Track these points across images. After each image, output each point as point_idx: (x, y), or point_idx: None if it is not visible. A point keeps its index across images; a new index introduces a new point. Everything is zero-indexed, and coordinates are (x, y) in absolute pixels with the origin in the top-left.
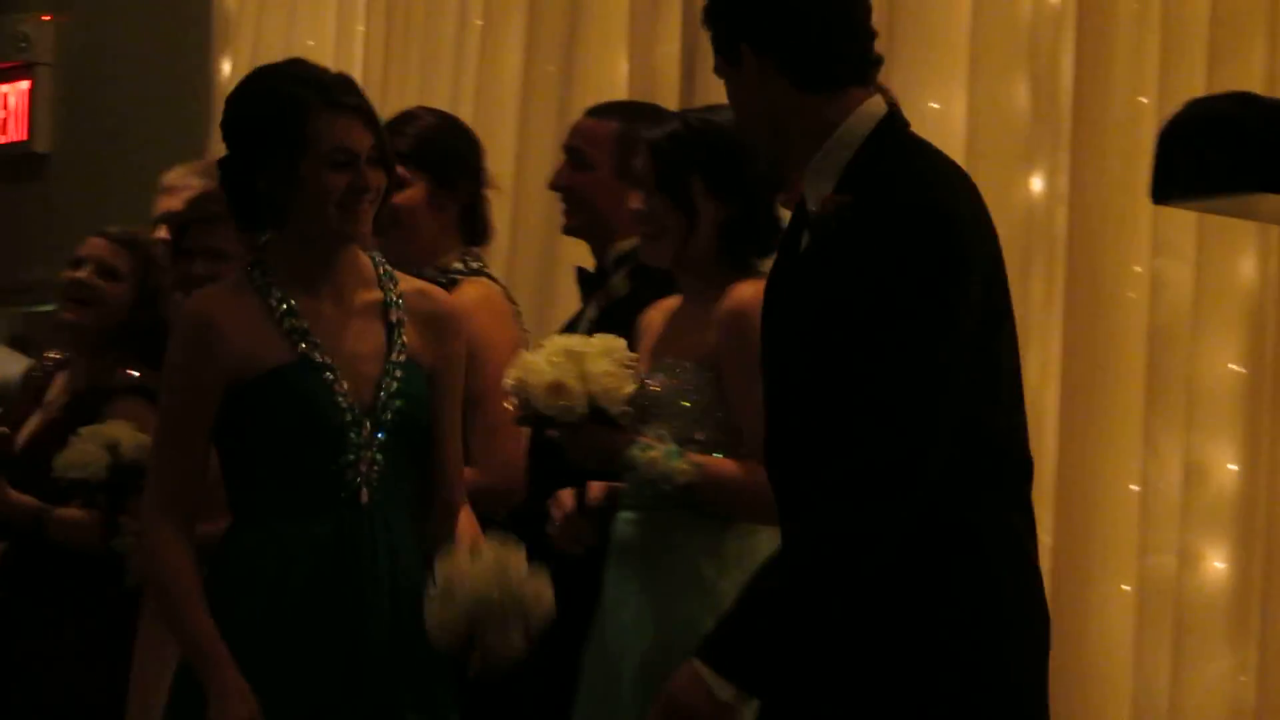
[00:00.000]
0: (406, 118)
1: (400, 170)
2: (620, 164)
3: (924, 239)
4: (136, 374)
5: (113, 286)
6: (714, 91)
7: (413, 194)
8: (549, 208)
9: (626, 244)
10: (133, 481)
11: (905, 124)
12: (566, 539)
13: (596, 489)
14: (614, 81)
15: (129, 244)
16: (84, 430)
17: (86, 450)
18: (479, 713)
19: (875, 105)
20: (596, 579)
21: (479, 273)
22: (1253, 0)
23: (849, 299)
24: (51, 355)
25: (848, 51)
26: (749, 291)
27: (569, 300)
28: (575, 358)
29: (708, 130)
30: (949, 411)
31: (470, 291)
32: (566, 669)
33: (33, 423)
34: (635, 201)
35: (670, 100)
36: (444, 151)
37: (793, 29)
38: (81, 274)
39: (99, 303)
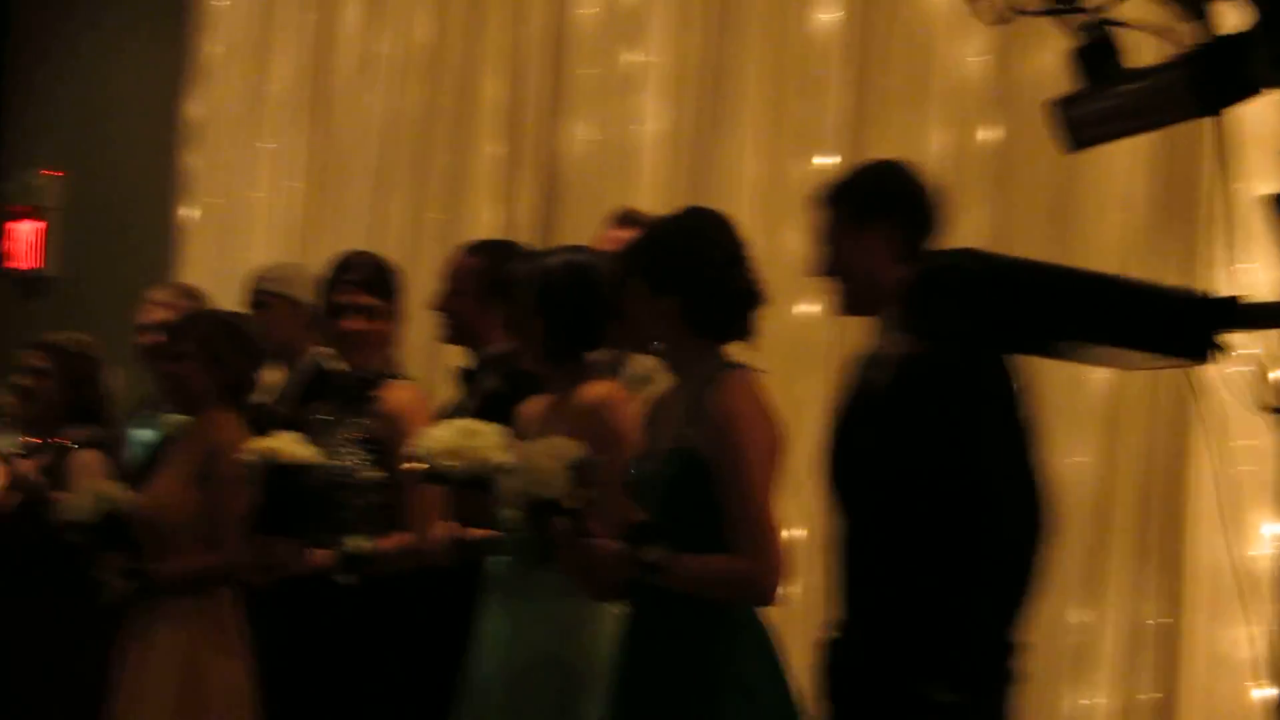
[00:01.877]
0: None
1: (365, 298)
2: (489, 289)
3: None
4: (85, 431)
5: (41, 381)
6: (566, 234)
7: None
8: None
9: (496, 349)
10: (121, 527)
11: None
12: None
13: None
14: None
15: (49, 349)
16: (83, 483)
17: (83, 498)
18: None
19: None
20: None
21: (402, 375)
22: None
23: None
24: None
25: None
26: (593, 391)
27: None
28: (466, 433)
29: (575, 269)
30: None
31: (404, 391)
32: (446, 682)
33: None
34: (510, 319)
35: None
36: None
37: (917, 211)
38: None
39: (32, 396)
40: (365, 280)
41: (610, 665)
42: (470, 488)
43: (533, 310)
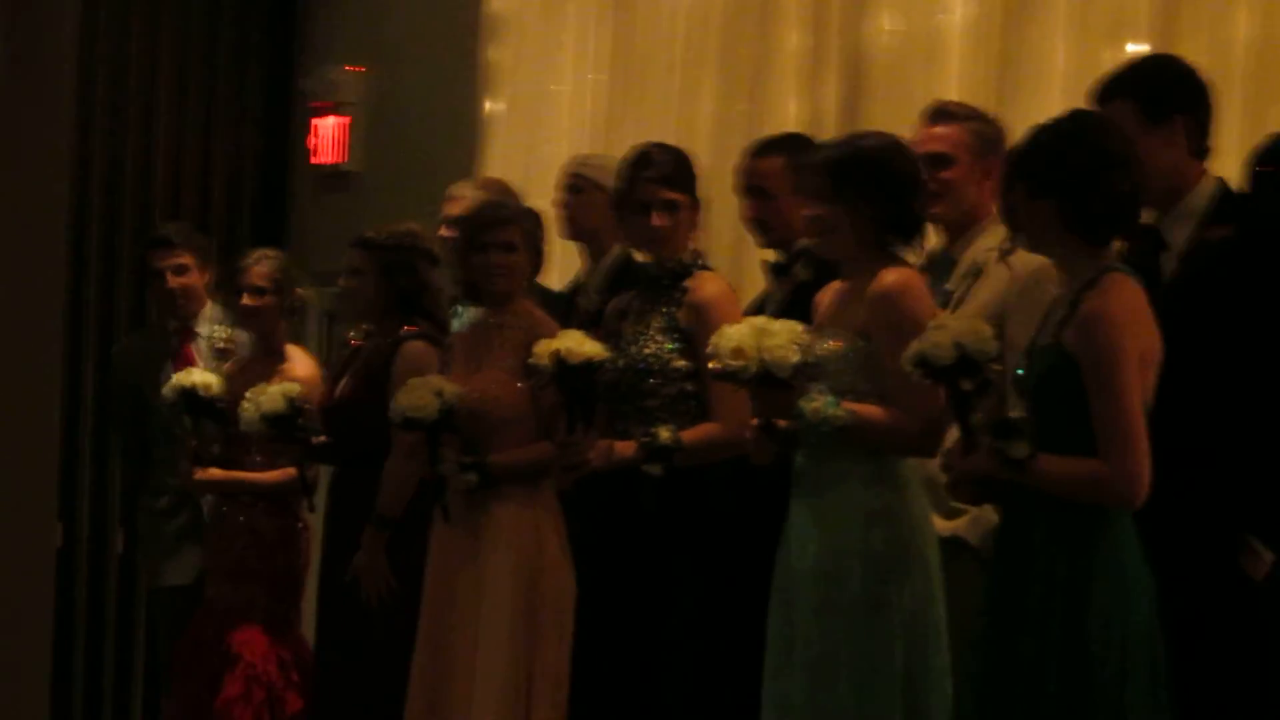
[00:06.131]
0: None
1: (669, 193)
2: (791, 186)
3: None
4: (414, 328)
5: (359, 281)
6: (869, 125)
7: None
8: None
9: (803, 242)
10: (452, 420)
11: None
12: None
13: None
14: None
15: (362, 245)
16: (413, 380)
17: (420, 395)
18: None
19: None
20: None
21: (707, 266)
22: None
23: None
24: (354, 335)
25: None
26: (891, 276)
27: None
28: (758, 332)
29: (865, 151)
30: None
31: (713, 283)
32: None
33: (345, 380)
34: (811, 210)
35: (834, 134)
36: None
37: (1206, 112)
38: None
39: (353, 296)
40: (666, 175)
41: (926, 552)
42: (765, 385)
43: (836, 198)
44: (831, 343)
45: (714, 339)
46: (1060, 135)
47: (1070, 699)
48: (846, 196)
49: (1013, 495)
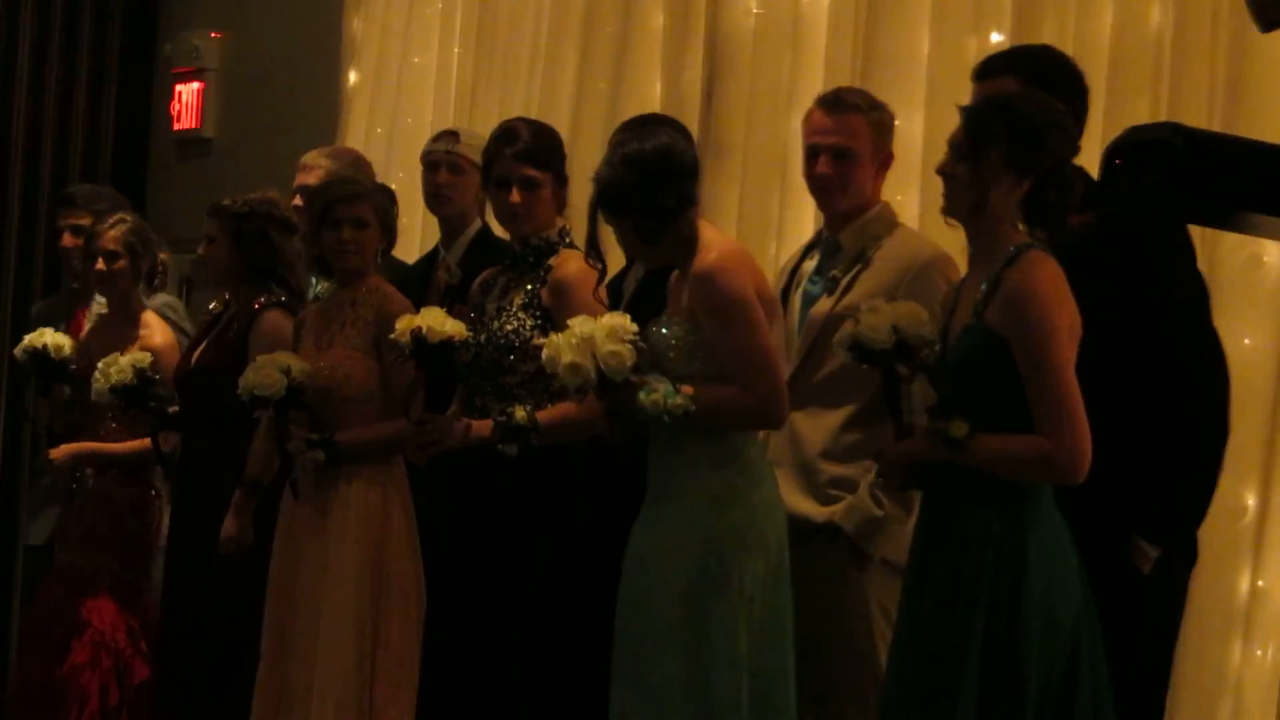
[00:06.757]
0: (513, 130)
1: (529, 170)
2: None
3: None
4: (273, 296)
5: (213, 248)
6: (728, 107)
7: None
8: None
9: None
10: (299, 397)
11: None
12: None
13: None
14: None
15: (214, 212)
16: (261, 358)
17: (266, 373)
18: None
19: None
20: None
21: (572, 245)
22: None
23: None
24: (215, 305)
25: None
26: (710, 257)
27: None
28: (585, 342)
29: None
30: None
31: (574, 262)
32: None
33: (202, 348)
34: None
35: (694, 115)
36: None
37: (1082, 106)
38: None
39: (207, 263)
40: (528, 151)
41: (768, 535)
42: (606, 386)
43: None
44: (664, 329)
45: (545, 354)
46: (1050, 117)
47: (1002, 687)
48: (624, 216)
49: (942, 480)
